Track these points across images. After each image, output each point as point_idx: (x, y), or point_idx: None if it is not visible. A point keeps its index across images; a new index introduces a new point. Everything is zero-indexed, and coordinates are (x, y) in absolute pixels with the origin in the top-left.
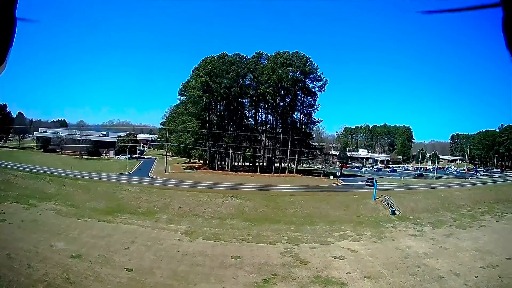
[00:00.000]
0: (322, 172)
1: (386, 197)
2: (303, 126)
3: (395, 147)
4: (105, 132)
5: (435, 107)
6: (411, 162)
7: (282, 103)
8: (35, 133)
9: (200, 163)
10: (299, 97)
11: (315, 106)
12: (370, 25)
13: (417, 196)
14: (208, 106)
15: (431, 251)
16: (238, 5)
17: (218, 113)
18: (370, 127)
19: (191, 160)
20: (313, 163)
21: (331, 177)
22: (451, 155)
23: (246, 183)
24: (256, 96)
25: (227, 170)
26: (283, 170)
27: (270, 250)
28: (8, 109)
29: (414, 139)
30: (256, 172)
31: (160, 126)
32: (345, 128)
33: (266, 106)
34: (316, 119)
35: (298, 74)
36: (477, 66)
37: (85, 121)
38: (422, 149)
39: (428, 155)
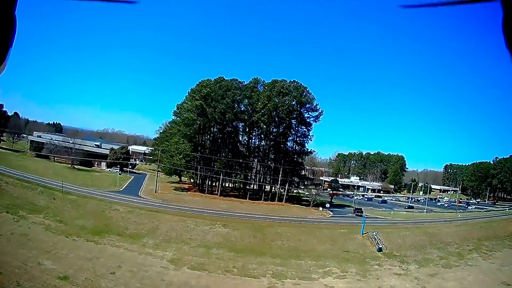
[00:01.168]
0: (311, 202)
1: (374, 233)
2: (296, 156)
3: (388, 175)
4: (98, 143)
5: (429, 136)
6: (402, 191)
7: (276, 130)
8: (29, 137)
9: (191, 183)
10: (294, 126)
11: (309, 137)
12: (366, 56)
13: (405, 232)
14: (202, 129)
15: None
16: (238, 27)
17: (211, 137)
18: (364, 154)
19: (182, 179)
20: (303, 191)
21: (320, 208)
22: (444, 185)
23: (235, 210)
24: (250, 123)
25: (217, 194)
26: (272, 198)
27: (254, 284)
28: (4, 109)
29: (407, 168)
30: (246, 198)
31: (154, 141)
32: (338, 154)
33: (260, 132)
34: (309, 150)
35: (294, 104)
36: (473, 98)
37: (79, 127)
38: (414, 179)
39: (420, 185)
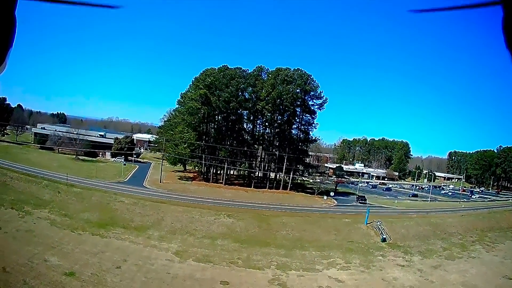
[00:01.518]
0: (316, 190)
1: (378, 223)
2: (300, 144)
3: (392, 162)
4: (102, 133)
5: (434, 123)
6: (407, 178)
7: (280, 118)
8: (33, 129)
9: (196, 172)
10: (298, 114)
11: (313, 124)
12: (372, 40)
13: (409, 222)
14: (206, 118)
15: (417, 284)
16: (242, 14)
17: (215, 125)
18: (368, 140)
19: (187, 168)
20: (308, 179)
21: (325, 197)
22: (448, 172)
23: (240, 199)
24: (254, 111)
25: (222, 183)
26: (277, 186)
27: (259, 276)
28: (7, 102)
29: (412, 155)
30: (251, 187)
31: (158, 129)
32: (343, 140)
33: (264, 120)
34: (314, 137)
35: (298, 92)
36: (478, 85)
37: (84, 116)
38: (418, 166)
39: (424, 172)
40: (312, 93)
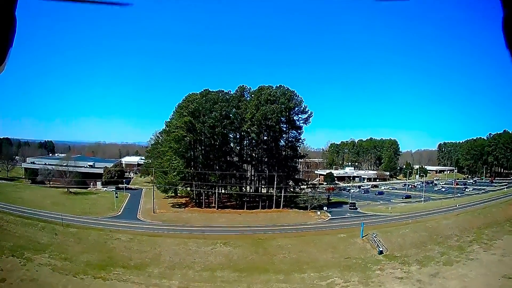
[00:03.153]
0: (309, 206)
1: (373, 235)
2: (289, 161)
3: (382, 161)
4: (91, 163)
5: (421, 115)
6: (398, 176)
7: (267, 137)
8: (23, 164)
9: (187, 197)
10: (284, 130)
11: (301, 140)
12: (350, 35)
13: (405, 229)
14: (193, 144)
15: None
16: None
17: (203, 150)
18: (356, 142)
19: (178, 193)
20: (299, 194)
21: (318, 212)
22: (439, 164)
23: (234, 224)
24: (240, 132)
25: (214, 207)
26: (270, 203)
27: None
28: None
29: (401, 152)
30: (243, 208)
31: (146, 150)
32: (330, 144)
33: (250, 140)
34: (301, 153)
35: (283, 110)
36: (464, 71)
37: (71, 140)
38: (409, 163)
39: (416, 168)
40: (296, 108)
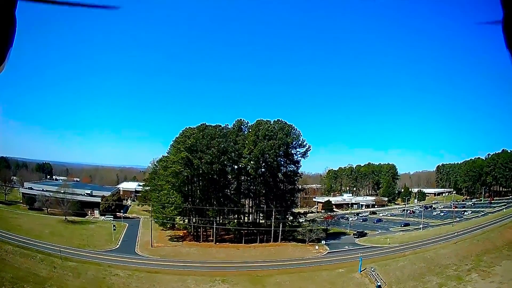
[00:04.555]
0: (307, 239)
1: (372, 269)
2: (287, 194)
3: (380, 186)
4: (89, 191)
5: (419, 136)
6: (396, 200)
7: (264, 172)
8: (21, 189)
9: (185, 230)
10: (282, 164)
11: (298, 174)
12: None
13: (403, 261)
14: (190, 179)
15: None
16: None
17: (200, 186)
18: (354, 167)
19: (176, 226)
20: (297, 226)
21: (317, 247)
22: (437, 186)
23: (232, 260)
24: (238, 167)
25: (212, 240)
26: (268, 239)
27: None
28: None
29: (399, 176)
30: (241, 242)
31: (144, 177)
32: (328, 170)
33: (249, 177)
34: (300, 187)
35: (281, 146)
36: (462, 91)
37: (69, 162)
38: (407, 188)
39: (414, 191)
40: (294, 142)
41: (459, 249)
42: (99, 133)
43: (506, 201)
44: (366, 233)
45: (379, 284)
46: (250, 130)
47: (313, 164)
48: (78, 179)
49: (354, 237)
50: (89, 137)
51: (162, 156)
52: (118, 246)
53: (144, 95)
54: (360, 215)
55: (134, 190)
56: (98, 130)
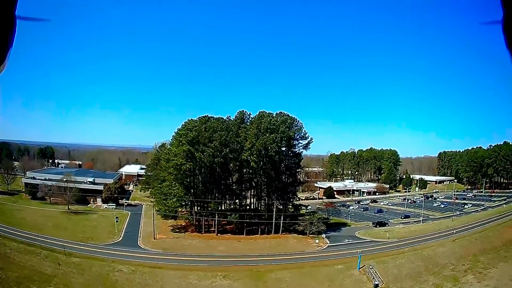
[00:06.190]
0: (308, 232)
1: (370, 267)
2: (289, 187)
3: (382, 171)
4: (91, 179)
5: (422, 120)
6: (398, 187)
7: (266, 166)
8: (23, 180)
9: (187, 220)
10: (284, 157)
11: (301, 167)
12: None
13: (401, 259)
14: (192, 171)
15: None
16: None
17: (202, 178)
18: (356, 152)
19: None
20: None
21: (317, 240)
22: (439, 173)
23: (234, 253)
24: (240, 161)
25: (214, 231)
26: (269, 230)
27: None
28: None
29: (401, 162)
30: (243, 233)
31: (146, 168)
32: (330, 155)
33: (251, 170)
34: (301, 180)
35: (283, 140)
36: (465, 75)
37: (71, 142)
38: (408, 175)
39: (415, 178)
40: (296, 134)
41: (457, 247)
42: (100, 111)
43: (506, 194)
44: (386, 223)
45: (376, 282)
46: (253, 123)
47: (315, 144)
48: (80, 163)
49: (373, 226)
50: (91, 116)
51: (164, 147)
52: (120, 238)
53: (146, 74)
54: (361, 203)
55: (136, 174)
56: (99, 108)
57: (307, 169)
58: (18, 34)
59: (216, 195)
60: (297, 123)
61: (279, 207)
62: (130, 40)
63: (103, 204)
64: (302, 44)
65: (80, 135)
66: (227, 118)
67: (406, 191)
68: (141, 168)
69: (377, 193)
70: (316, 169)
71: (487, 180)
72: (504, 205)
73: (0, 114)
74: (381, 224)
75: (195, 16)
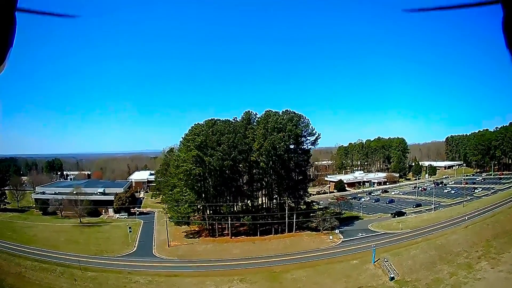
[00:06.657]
0: (321, 228)
1: (385, 260)
2: (301, 184)
3: (391, 160)
4: (101, 190)
5: (429, 105)
6: (407, 175)
7: (275, 165)
8: (33, 195)
9: (201, 226)
10: (293, 155)
11: (310, 163)
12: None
13: (415, 250)
14: (202, 176)
15: None
16: None
17: (212, 182)
18: (364, 143)
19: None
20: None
21: (331, 237)
22: (447, 158)
23: (249, 256)
24: (249, 162)
25: (228, 234)
26: (282, 230)
27: None
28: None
29: (409, 150)
30: (256, 234)
31: (156, 173)
32: (339, 147)
33: (260, 171)
34: (311, 177)
35: (291, 138)
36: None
37: (78, 152)
38: (417, 163)
39: (425, 165)
40: (304, 131)
41: (469, 234)
42: (104, 117)
43: None
44: (405, 212)
45: (392, 275)
46: (259, 123)
47: (324, 136)
48: (89, 173)
49: (391, 216)
50: (96, 123)
51: (173, 153)
52: (135, 248)
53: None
54: (372, 194)
55: (146, 180)
56: (103, 114)
57: (316, 163)
58: (18, 34)
59: (228, 197)
60: (304, 120)
61: (291, 205)
62: (130, 41)
63: (115, 214)
64: (295, 39)
65: (87, 144)
66: (234, 119)
67: (416, 179)
68: (151, 174)
69: (387, 183)
70: (325, 162)
71: (496, 163)
72: None
73: (5, 128)
74: (400, 213)
75: (196, 16)
